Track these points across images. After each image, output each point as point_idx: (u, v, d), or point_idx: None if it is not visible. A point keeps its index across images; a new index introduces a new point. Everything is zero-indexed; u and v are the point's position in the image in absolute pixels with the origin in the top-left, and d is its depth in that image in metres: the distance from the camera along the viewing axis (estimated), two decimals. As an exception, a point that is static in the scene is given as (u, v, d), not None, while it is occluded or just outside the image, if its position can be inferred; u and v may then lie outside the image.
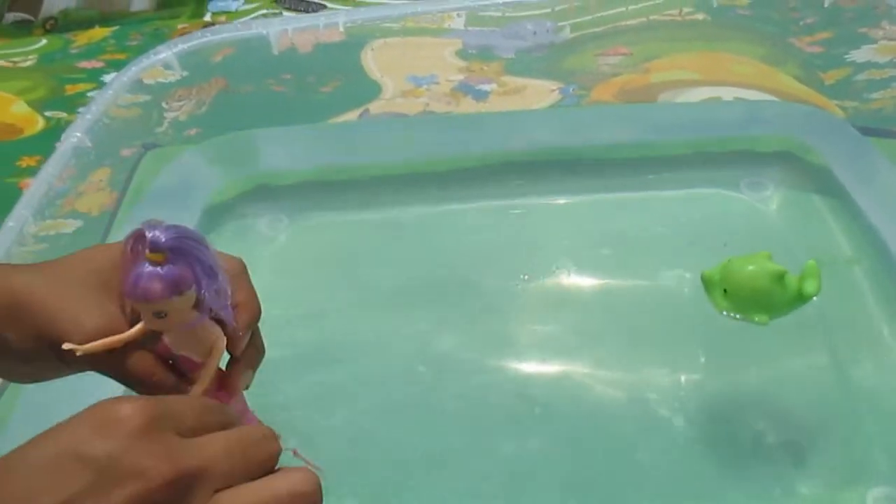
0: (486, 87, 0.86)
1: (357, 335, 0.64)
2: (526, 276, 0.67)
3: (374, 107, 0.86)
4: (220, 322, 0.34)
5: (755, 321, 0.48)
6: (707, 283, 0.49)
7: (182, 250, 0.31)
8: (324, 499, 0.29)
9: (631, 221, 0.71)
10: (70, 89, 0.95)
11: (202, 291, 0.32)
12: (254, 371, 0.36)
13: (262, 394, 0.37)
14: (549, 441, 0.55)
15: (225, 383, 0.35)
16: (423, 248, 0.71)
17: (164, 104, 0.82)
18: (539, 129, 0.76)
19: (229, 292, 0.33)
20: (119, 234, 0.70)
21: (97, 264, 0.34)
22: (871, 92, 0.74)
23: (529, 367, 0.60)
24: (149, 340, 0.33)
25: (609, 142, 0.76)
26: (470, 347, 0.62)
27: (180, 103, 0.83)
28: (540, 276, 0.67)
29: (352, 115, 0.80)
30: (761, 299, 0.47)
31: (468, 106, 0.81)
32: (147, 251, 0.30)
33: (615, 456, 0.54)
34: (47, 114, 0.92)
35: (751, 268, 0.48)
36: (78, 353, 0.31)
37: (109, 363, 0.33)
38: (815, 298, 0.48)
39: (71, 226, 0.68)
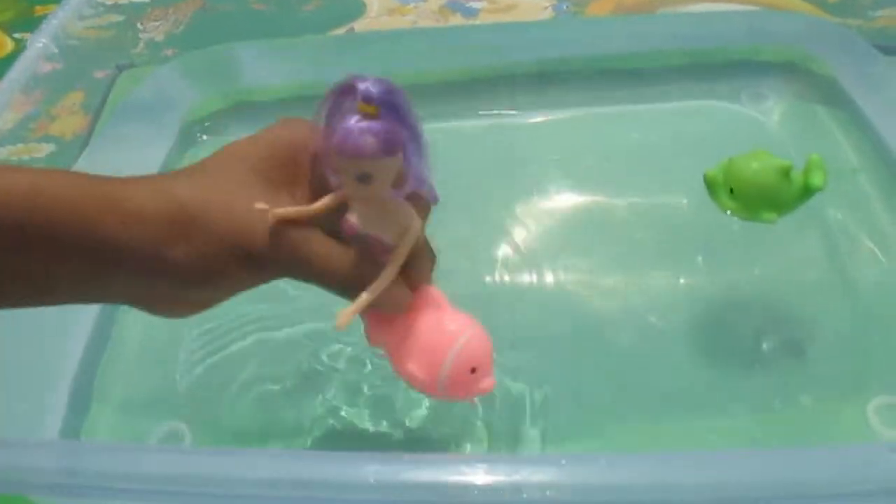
0: (475, 5, 0.83)
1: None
2: (516, 191, 0.64)
3: (359, 25, 0.83)
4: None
5: (764, 219, 0.46)
6: (711, 183, 0.47)
7: (394, 106, 0.29)
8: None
9: (626, 135, 0.68)
10: (39, 10, 0.92)
11: (410, 157, 0.30)
12: (432, 271, 0.34)
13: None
14: (542, 356, 0.53)
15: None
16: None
17: (138, 25, 0.79)
18: (529, 42, 0.72)
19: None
20: (93, 154, 0.67)
21: (252, 161, 0.33)
22: (876, 10, 0.72)
23: (522, 282, 0.58)
24: (335, 218, 0.31)
25: (603, 53, 0.72)
26: (459, 264, 0.59)
27: (156, 24, 0.80)
28: (532, 192, 0.64)
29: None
30: (768, 195, 0.46)
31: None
32: (360, 102, 0.28)
33: (610, 369, 0.52)
34: (16, 35, 0.89)
35: (756, 164, 0.46)
36: (271, 218, 0.30)
37: (297, 250, 0.31)
38: (819, 194, 0.46)
39: (44, 150, 0.65)
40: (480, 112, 0.71)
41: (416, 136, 0.30)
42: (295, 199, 0.33)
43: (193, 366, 0.54)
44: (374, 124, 0.28)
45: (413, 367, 0.32)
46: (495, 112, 0.71)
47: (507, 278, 0.58)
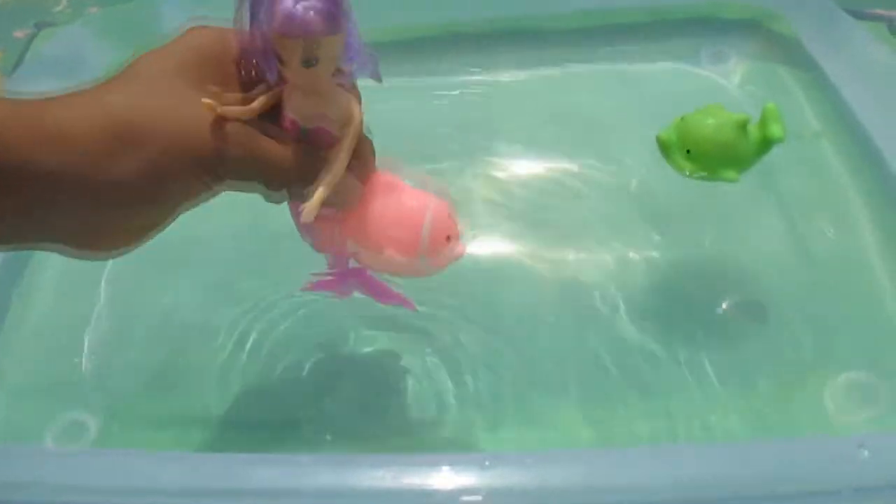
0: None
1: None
2: (460, 155, 0.60)
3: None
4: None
5: (724, 178, 0.43)
6: (665, 146, 0.44)
7: None
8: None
9: (581, 97, 0.64)
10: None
11: (351, 33, 0.29)
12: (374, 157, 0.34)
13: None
14: (487, 334, 0.49)
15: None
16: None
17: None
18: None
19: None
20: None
21: (178, 66, 0.31)
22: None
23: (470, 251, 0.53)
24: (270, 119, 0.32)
25: (554, 10, 0.67)
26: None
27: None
28: (476, 157, 0.60)
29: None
30: (727, 153, 0.43)
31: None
32: None
33: (556, 347, 0.48)
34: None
35: (711, 121, 0.43)
36: (219, 112, 0.29)
37: (247, 147, 0.31)
38: (778, 160, 0.44)
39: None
40: (425, 73, 0.66)
41: (350, 11, 0.29)
42: (229, 102, 0.32)
43: (100, 349, 0.50)
44: (316, 2, 0.28)
45: (392, 251, 0.33)
46: (439, 74, 0.67)
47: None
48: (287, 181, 0.32)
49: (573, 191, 0.57)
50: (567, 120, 0.62)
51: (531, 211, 0.56)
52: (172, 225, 0.33)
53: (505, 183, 0.58)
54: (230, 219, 0.50)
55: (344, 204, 0.33)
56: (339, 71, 0.30)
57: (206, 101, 0.29)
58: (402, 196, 0.34)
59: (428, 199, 0.33)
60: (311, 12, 0.28)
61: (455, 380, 0.46)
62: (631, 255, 0.53)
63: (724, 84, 0.63)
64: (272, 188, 0.33)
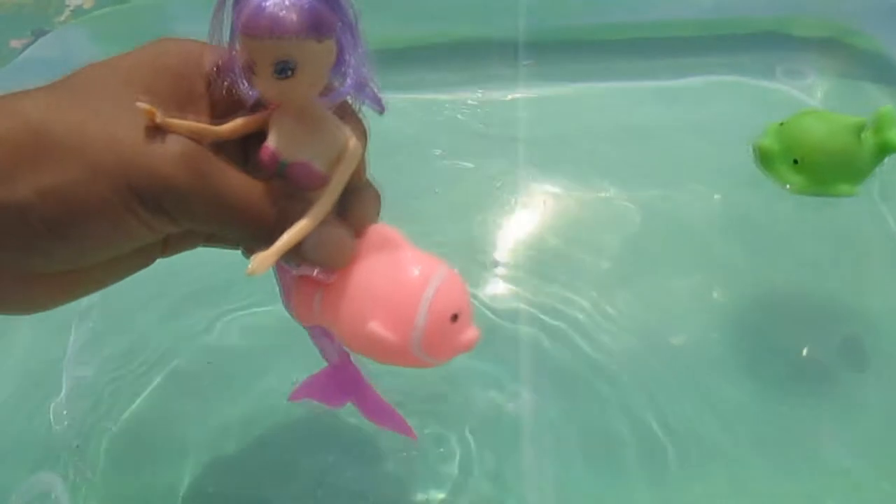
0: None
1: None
2: (499, 176, 0.51)
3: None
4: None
5: (839, 193, 0.36)
6: (765, 155, 0.37)
7: None
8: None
9: (630, 114, 0.56)
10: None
11: (345, 51, 0.24)
12: (379, 207, 0.27)
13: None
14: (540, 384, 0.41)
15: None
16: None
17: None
18: (522, 8, 0.60)
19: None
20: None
21: (131, 73, 0.25)
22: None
23: (503, 304, 0.45)
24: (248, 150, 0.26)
25: (606, 21, 0.60)
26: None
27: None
28: (518, 179, 0.52)
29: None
30: (843, 162, 0.36)
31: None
32: None
33: (619, 402, 0.40)
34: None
35: (822, 125, 0.36)
36: (158, 121, 0.24)
37: (204, 177, 0.24)
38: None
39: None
40: (465, 83, 0.58)
41: (350, 26, 0.23)
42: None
43: (77, 400, 0.42)
44: None
45: (377, 327, 0.25)
46: (481, 84, 0.58)
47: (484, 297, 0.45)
48: (256, 228, 0.25)
49: (625, 219, 0.49)
50: (619, 138, 0.54)
51: (576, 241, 0.48)
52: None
53: (544, 208, 0.50)
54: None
55: (328, 261, 0.26)
56: (328, 90, 0.25)
57: (144, 105, 0.23)
58: (402, 254, 0.26)
59: (436, 264, 0.26)
60: (287, 9, 0.22)
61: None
62: (715, 295, 0.44)
63: (805, 99, 0.55)
64: (239, 236, 0.26)
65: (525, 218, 0.49)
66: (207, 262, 0.32)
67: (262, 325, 0.44)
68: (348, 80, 0.24)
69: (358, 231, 0.26)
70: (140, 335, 0.44)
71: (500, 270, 0.46)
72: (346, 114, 0.25)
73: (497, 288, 0.45)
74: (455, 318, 0.25)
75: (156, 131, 0.24)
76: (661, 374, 0.41)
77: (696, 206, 0.49)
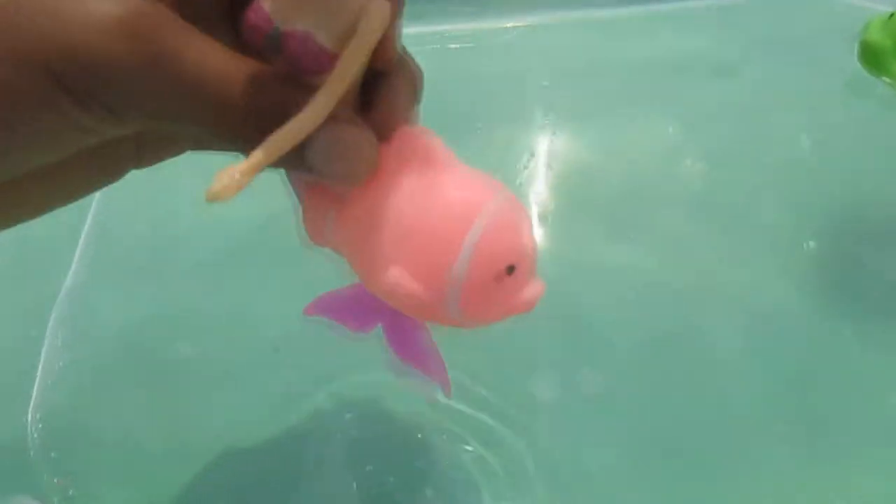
0: None
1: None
2: (481, 126, 0.46)
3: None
4: None
5: None
6: (876, 51, 0.34)
7: None
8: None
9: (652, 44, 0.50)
10: None
11: None
12: (416, 99, 0.21)
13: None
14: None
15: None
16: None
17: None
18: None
19: None
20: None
21: None
22: None
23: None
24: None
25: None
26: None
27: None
28: (522, 129, 0.46)
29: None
30: None
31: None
32: None
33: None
34: None
35: None
36: None
37: (163, 53, 0.17)
38: None
39: None
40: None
41: None
42: None
43: (58, 410, 0.37)
44: None
45: (399, 275, 0.19)
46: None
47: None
48: (232, 122, 0.18)
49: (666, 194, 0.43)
50: (639, 72, 0.48)
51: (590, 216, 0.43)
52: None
53: (554, 165, 0.45)
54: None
55: (339, 172, 0.19)
56: None
57: None
58: (441, 172, 0.19)
59: (488, 191, 0.19)
60: None
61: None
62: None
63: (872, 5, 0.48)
64: (213, 138, 0.19)
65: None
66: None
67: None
68: None
69: (384, 132, 0.20)
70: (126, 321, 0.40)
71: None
72: None
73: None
74: (510, 269, 0.19)
75: None
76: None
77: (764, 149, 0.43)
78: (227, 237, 0.42)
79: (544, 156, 0.45)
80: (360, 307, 0.24)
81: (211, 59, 0.18)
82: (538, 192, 0.43)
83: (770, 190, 0.41)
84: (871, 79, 0.41)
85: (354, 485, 0.33)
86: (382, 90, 0.20)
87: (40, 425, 0.37)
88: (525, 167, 0.44)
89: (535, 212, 0.42)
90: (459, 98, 0.46)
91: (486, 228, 0.19)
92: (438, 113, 0.22)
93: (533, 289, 0.19)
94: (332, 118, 0.18)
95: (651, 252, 0.40)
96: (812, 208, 0.40)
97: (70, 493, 0.35)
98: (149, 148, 0.22)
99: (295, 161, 0.18)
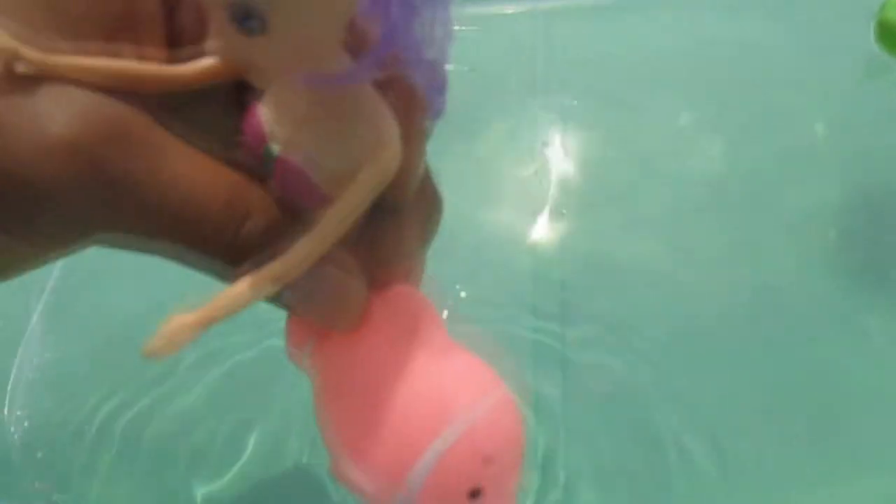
0: None
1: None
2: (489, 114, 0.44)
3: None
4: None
5: None
6: (892, 31, 0.33)
7: None
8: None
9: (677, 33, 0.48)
10: None
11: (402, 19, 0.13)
12: (428, 240, 0.18)
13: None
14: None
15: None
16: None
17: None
18: None
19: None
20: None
21: None
22: None
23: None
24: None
25: None
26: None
27: None
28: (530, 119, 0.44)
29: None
30: None
31: None
32: None
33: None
34: None
35: None
36: (24, 69, 0.14)
37: (128, 157, 0.14)
38: None
39: None
40: None
41: None
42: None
43: (41, 416, 0.35)
44: None
45: (348, 464, 0.16)
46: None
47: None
48: (205, 248, 0.16)
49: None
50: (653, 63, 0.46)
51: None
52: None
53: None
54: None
55: (320, 318, 0.17)
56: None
57: (3, 38, 0.14)
58: (427, 354, 0.17)
59: (477, 389, 0.17)
60: None
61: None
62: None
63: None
64: (189, 258, 0.16)
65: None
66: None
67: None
68: (384, 42, 0.14)
69: (379, 275, 0.17)
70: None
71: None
72: (396, 81, 0.15)
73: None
74: (475, 494, 0.16)
75: (27, 86, 0.14)
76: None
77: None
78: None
79: (558, 146, 0.43)
80: None
81: (190, 163, 0.15)
82: (553, 181, 0.42)
83: (789, 178, 0.40)
84: (888, 59, 0.40)
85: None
86: (389, 226, 0.17)
87: (25, 423, 0.35)
88: (538, 156, 0.43)
89: (548, 204, 0.41)
90: (464, 86, 0.45)
91: (458, 438, 0.16)
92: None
93: None
94: (322, 258, 0.15)
95: (667, 243, 0.38)
96: (832, 196, 0.39)
97: (53, 499, 0.34)
98: None
99: (276, 294, 0.16)
